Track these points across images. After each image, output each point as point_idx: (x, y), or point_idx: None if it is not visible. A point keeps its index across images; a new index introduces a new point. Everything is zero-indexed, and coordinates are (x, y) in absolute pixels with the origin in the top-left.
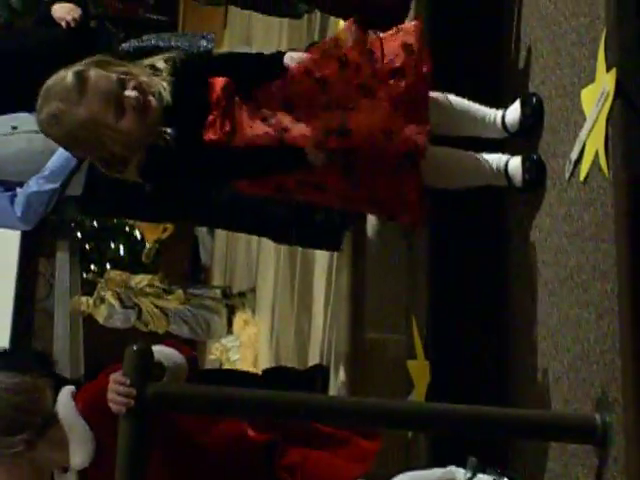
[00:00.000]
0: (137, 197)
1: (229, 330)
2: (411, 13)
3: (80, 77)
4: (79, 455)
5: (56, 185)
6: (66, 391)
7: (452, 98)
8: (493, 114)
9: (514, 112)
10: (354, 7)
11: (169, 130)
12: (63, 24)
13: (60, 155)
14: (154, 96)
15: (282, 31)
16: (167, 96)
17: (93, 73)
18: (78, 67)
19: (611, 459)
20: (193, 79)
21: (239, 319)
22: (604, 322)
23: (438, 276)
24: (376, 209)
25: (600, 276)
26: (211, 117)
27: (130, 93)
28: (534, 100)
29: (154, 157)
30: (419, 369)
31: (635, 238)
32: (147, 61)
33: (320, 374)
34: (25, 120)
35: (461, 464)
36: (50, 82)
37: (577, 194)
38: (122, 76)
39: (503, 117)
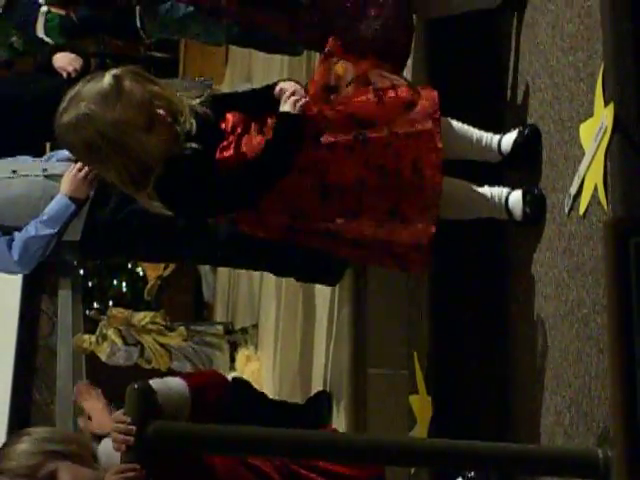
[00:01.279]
0: (136, 238)
1: (232, 366)
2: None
3: (118, 81)
4: None
5: (54, 230)
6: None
7: (453, 122)
8: (490, 136)
9: (510, 136)
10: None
11: (191, 145)
12: (64, 74)
13: (59, 201)
14: (180, 119)
15: (283, 68)
16: (192, 122)
17: (129, 82)
18: (115, 71)
19: None
20: (215, 112)
21: (241, 355)
22: (605, 356)
23: (439, 311)
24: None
25: (600, 310)
26: (226, 142)
27: (161, 111)
28: (530, 127)
29: (172, 170)
30: (421, 404)
31: (625, 288)
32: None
33: (325, 401)
34: (24, 165)
35: None
36: (81, 85)
37: (577, 228)
38: (154, 93)
39: (500, 141)
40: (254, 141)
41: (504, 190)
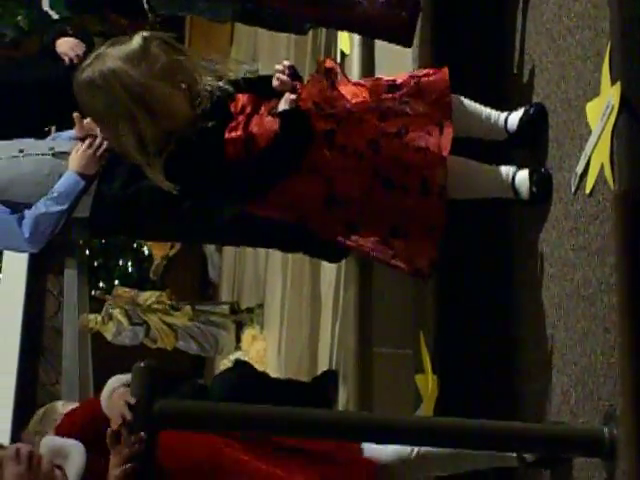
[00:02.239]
0: (144, 217)
1: (237, 346)
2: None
3: (146, 43)
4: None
5: (64, 207)
6: None
7: (464, 99)
8: (498, 114)
9: (516, 114)
10: (359, 25)
11: (203, 124)
12: (66, 60)
13: (68, 177)
14: (197, 96)
15: (289, 47)
16: (208, 102)
17: (156, 47)
18: (145, 33)
19: (619, 472)
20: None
21: (247, 335)
22: (611, 335)
23: (445, 290)
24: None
25: (607, 289)
26: (235, 122)
27: (181, 83)
28: (536, 106)
29: (182, 149)
30: (427, 383)
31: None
32: (218, 66)
33: (332, 379)
34: (31, 144)
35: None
36: (106, 46)
37: (583, 207)
38: (178, 65)
39: (506, 118)
40: (264, 121)
41: (511, 169)
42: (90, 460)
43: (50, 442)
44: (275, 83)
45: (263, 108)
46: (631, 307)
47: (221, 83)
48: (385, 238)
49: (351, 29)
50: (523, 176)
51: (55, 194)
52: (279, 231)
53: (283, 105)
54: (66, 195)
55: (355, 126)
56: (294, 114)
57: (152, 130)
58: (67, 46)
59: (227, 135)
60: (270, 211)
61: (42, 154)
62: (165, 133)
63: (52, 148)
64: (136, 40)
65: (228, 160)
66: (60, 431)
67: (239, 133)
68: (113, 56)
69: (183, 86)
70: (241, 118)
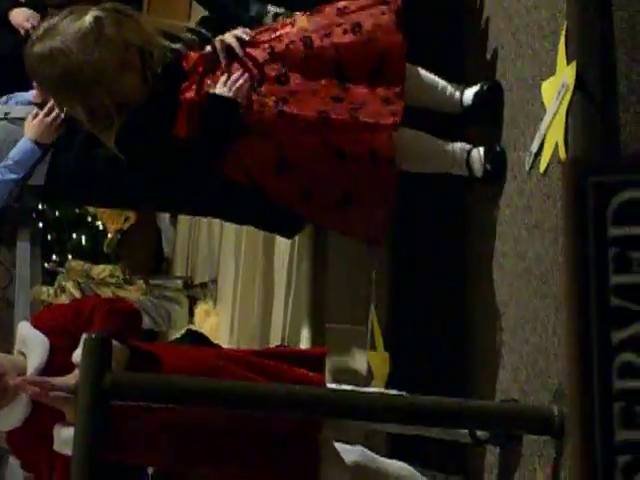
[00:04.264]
0: (98, 183)
1: (190, 320)
2: None
3: (99, 23)
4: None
5: (19, 175)
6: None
7: (420, 70)
8: (454, 87)
9: (472, 89)
10: None
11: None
12: (22, 31)
13: (24, 145)
14: (150, 59)
15: None
16: (158, 65)
17: (110, 25)
18: (98, 12)
19: (568, 449)
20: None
21: (200, 309)
22: (562, 313)
23: (398, 267)
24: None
25: (559, 267)
26: (188, 82)
27: (134, 57)
28: (492, 83)
29: (133, 121)
30: (379, 360)
31: (582, 226)
32: (169, 25)
33: None
34: None
35: (419, 458)
36: (59, 18)
37: (537, 186)
38: (132, 35)
39: (462, 92)
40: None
41: (466, 146)
42: (55, 354)
43: (21, 330)
44: (218, 46)
45: (218, 70)
46: (576, 282)
47: (175, 45)
48: (338, 205)
49: None
50: (477, 154)
51: (10, 162)
52: (233, 202)
53: (220, 87)
54: (22, 163)
55: (307, 96)
56: (224, 103)
57: (103, 104)
58: (22, 17)
59: (181, 95)
60: (231, 172)
61: None
62: (117, 105)
63: (7, 113)
64: (88, 20)
65: (176, 133)
66: (35, 320)
67: (192, 95)
68: (64, 35)
69: (135, 57)
70: (193, 78)
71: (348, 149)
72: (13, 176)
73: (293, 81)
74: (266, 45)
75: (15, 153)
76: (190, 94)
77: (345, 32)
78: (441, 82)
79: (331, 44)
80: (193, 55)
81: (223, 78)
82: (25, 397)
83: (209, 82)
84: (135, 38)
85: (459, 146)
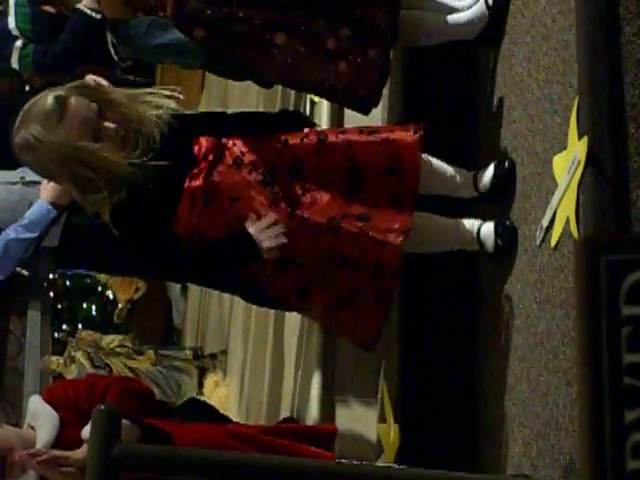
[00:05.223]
0: (112, 247)
1: (200, 391)
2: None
3: (60, 102)
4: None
5: (34, 234)
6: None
7: (432, 159)
8: (465, 174)
9: (487, 173)
10: (326, 96)
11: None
12: None
13: (39, 205)
14: (140, 131)
15: (259, 94)
16: (157, 135)
17: (74, 99)
18: (59, 92)
19: None
20: (185, 131)
21: (210, 380)
22: (573, 389)
23: (409, 341)
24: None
25: (570, 342)
26: (197, 169)
27: (109, 125)
28: (507, 163)
29: (131, 198)
30: (389, 433)
31: (595, 306)
32: (151, 97)
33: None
34: (1, 174)
35: None
36: (30, 105)
37: (548, 260)
38: (104, 106)
39: (475, 177)
40: (229, 172)
41: (476, 222)
42: (64, 429)
43: (32, 404)
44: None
45: (227, 154)
46: (589, 361)
47: (160, 112)
48: (332, 308)
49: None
50: (488, 229)
51: (27, 221)
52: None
53: (253, 228)
54: (37, 223)
55: (318, 196)
56: (252, 248)
57: (89, 180)
58: None
59: (188, 183)
60: None
61: (12, 182)
62: (109, 181)
63: (23, 177)
64: (49, 102)
65: (175, 226)
66: (47, 394)
67: (199, 183)
68: (35, 119)
69: (111, 125)
70: (203, 165)
71: (353, 258)
72: (29, 235)
73: (305, 175)
74: (281, 138)
75: (31, 213)
76: (197, 182)
77: (361, 132)
78: (450, 170)
79: (344, 140)
80: (204, 141)
81: (267, 220)
82: (33, 473)
83: (219, 170)
84: (109, 109)
85: (469, 222)
